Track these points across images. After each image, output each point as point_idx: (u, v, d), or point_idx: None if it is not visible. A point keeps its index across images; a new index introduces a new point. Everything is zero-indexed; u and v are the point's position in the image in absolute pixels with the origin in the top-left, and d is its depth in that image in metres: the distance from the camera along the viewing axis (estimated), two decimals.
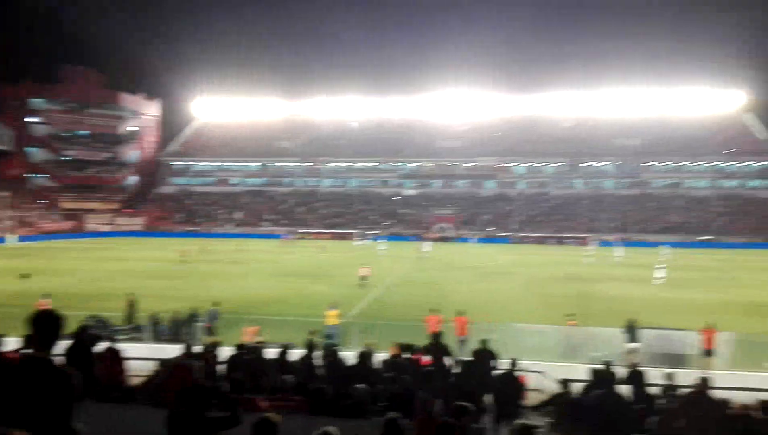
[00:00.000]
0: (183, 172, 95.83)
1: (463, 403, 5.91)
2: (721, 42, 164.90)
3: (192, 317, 17.97)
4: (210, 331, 17.41)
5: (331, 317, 17.76)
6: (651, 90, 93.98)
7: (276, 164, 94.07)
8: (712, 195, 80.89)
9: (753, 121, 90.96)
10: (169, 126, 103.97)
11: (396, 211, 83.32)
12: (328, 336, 16.65)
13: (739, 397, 9.96)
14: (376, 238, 65.48)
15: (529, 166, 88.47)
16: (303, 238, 70.12)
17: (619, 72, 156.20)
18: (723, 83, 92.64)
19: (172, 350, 10.99)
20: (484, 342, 11.21)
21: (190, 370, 7.00)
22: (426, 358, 10.37)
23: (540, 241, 70.63)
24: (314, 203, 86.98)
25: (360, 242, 61.33)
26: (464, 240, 71.97)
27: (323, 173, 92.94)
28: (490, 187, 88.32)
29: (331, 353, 9.82)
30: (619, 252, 49.37)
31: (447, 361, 10.55)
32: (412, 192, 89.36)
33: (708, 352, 15.36)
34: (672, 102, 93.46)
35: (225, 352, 10.17)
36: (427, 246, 54.13)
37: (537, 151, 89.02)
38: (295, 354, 9.83)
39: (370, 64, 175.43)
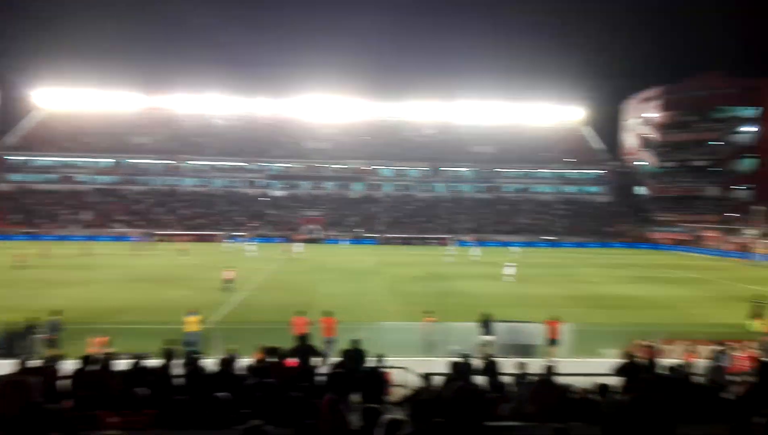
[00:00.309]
0: (21, 167, 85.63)
1: (373, 405, 5.88)
2: (564, 62, 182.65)
3: (29, 329, 16.08)
4: (52, 343, 15.71)
5: (192, 323, 16.85)
6: (504, 103, 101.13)
7: (130, 161, 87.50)
8: (555, 199, 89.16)
9: (589, 134, 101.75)
10: (6, 116, 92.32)
11: (263, 213, 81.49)
12: (189, 343, 15.79)
13: (579, 382, 11.01)
14: (245, 239, 63.50)
15: (394, 169, 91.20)
16: (162, 241, 65.93)
17: (476, 85, 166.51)
18: (565, 99, 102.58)
19: (4, 366, 9.72)
20: (354, 342, 11.28)
21: (25, 387, 6.22)
22: (291, 361, 10.20)
23: (405, 241, 73.01)
24: (174, 203, 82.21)
25: (229, 244, 59.05)
26: (333, 241, 72.33)
27: (184, 172, 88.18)
28: (357, 189, 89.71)
29: (191, 361, 9.28)
30: (475, 252, 52.56)
31: (314, 362, 10.46)
32: (280, 193, 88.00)
33: (552, 342, 16.83)
34: (522, 114, 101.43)
35: (68, 365, 9.19)
36: (298, 247, 53.66)
37: (402, 156, 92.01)
38: (151, 364, 9.16)
39: (238, 61, 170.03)
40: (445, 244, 65.03)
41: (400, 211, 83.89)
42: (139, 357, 9.11)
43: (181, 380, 8.61)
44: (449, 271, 40.23)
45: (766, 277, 39.92)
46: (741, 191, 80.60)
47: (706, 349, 15.01)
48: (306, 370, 9.50)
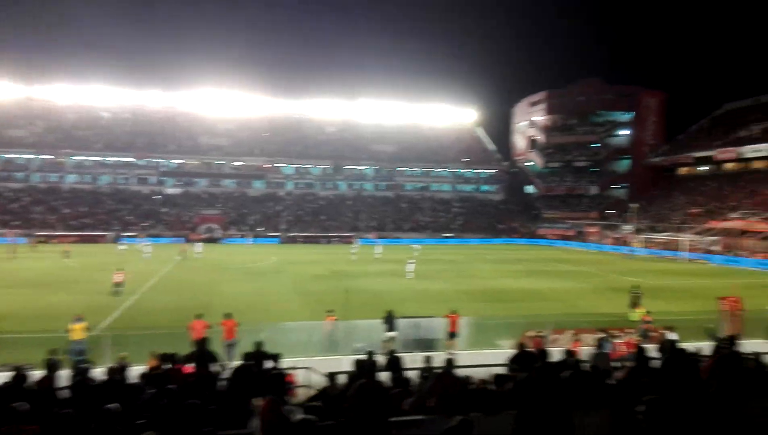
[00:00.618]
0: None
1: (308, 416, 5.67)
2: (460, 67, 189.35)
3: None
4: None
5: (77, 331, 15.61)
6: (403, 103, 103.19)
7: (6, 156, 79.67)
8: (453, 198, 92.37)
9: (483, 135, 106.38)
10: None
11: (157, 211, 77.36)
12: (75, 352, 14.63)
13: (477, 373, 11.45)
14: (140, 240, 59.87)
15: (296, 167, 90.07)
16: (43, 242, 60.62)
17: (377, 85, 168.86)
18: (460, 101, 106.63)
19: None
20: (258, 344, 11.00)
21: None
22: (189, 367, 9.76)
23: (308, 240, 72.40)
24: (55, 202, 75.88)
25: (124, 245, 55.40)
26: (234, 240, 70.17)
27: (66, 168, 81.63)
28: (258, 187, 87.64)
29: (80, 372, 8.59)
30: (378, 249, 53.21)
31: (214, 367, 10.07)
32: (174, 191, 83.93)
33: (452, 335, 17.40)
34: (420, 114, 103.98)
35: None
36: (198, 247, 51.53)
37: (304, 153, 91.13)
38: (34, 376, 8.38)
39: (126, 50, 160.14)
40: (348, 243, 65.25)
41: (303, 210, 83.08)
42: (20, 369, 8.30)
43: (67, 392, 7.95)
44: (353, 269, 40.40)
45: (641, 268, 43.75)
46: (618, 190, 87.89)
47: (590, 337, 16.17)
48: (205, 376, 9.12)
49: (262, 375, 9.94)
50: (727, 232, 53.64)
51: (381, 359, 13.44)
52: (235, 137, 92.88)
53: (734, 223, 54.62)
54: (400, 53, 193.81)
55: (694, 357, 9.00)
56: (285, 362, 12.83)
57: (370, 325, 17.62)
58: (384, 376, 11.51)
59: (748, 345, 11.22)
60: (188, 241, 64.68)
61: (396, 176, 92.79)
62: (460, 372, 10.22)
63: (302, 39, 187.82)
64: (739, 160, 70.08)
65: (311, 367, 13.14)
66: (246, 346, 11.67)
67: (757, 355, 9.75)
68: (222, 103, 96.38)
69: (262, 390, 9.80)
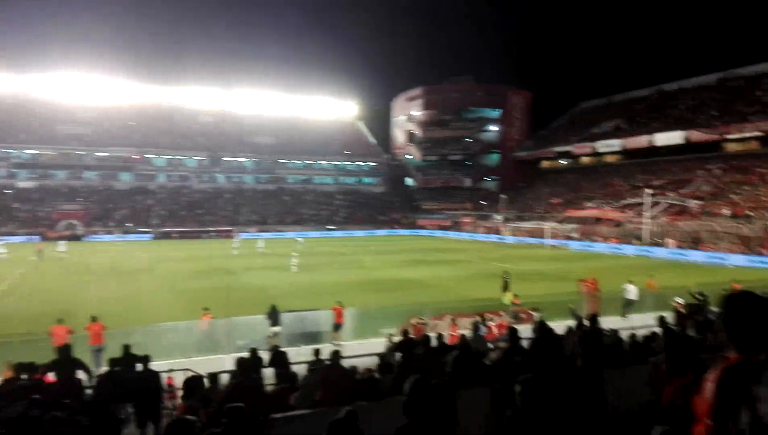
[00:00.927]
0: None
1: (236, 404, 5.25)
2: (341, 60, 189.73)
3: None
4: None
5: None
6: (284, 94, 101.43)
7: None
8: (336, 190, 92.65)
9: (364, 128, 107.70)
10: None
11: (9, 207, 69.47)
12: None
13: (364, 362, 11.58)
14: None
15: (169, 158, 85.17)
16: None
17: (256, 74, 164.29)
18: (341, 94, 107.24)
19: None
20: (126, 347, 10.26)
21: None
22: (51, 376, 8.90)
23: (185, 235, 68.95)
24: None
25: None
26: (99, 237, 64.91)
27: None
28: (126, 180, 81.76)
29: None
30: (260, 243, 52.02)
31: (81, 375, 9.27)
32: (28, 184, 75.85)
33: (338, 327, 17.46)
34: (301, 106, 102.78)
35: None
36: (61, 246, 46.94)
37: (177, 144, 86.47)
38: None
39: None
40: (228, 237, 63.07)
41: (177, 204, 78.91)
42: None
43: None
44: (234, 265, 39.15)
45: (511, 255, 46.78)
46: (489, 182, 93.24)
47: (467, 321, 17.01)
48: (69, 386, 8.36)
49: (132, 380, 9.34)
50: (584, 220, 58.95)
51: (265, 356, 13.16)
52: (98, 126, 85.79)
53: (590, 211, 60.18)
54: (280, 43, 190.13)
55: (561, 335, 9.78)
56: (162, 365, 12.15)
57: (253, 322, 17.18)
58: (268, 373, 11.30)
59: (605, 322, 12.40)
60: (45, 239, 58.98)
61: (277, 169, 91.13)
62: (348, 362, 10.28)
63: (174, 22, 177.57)
64: (594, 154, 77.22)
65: (190, 369, 12.55)
66: (116, 350, 10.84)
67: (614, 331, 10.81)
68: (83, 89, 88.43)
69: (133, 396, 9.21)
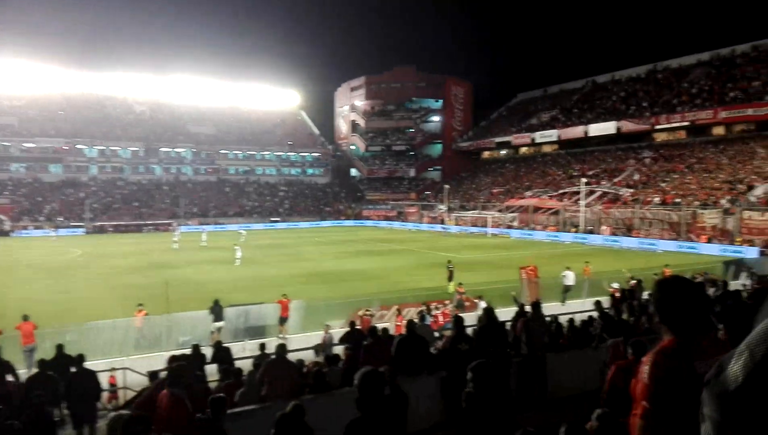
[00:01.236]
0: None
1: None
2: (282, 49, 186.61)
3: None
4: None
5: None
6: (222, 82, 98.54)
7: None
8: (279, 181, 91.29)
9: (307, 118, 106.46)
10: None
11: None
12: None
13: (310, 355, 11.51)
14: None
15: (101, 149, 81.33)
16: None
17: (192, 61, 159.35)
18: (282, 83, 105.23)
19: None
20: (59, 347, 9.81)
21: None
22: None
23: (121, 229, 66.32)
24: None
25: None
26: (28, 232, 61.50)
27: None
28: (55, 172, 77.63)
29: None
30: (202, 236, 50.70)
31: (10, 378, 8.78)
32: None
33: (283, 320, 17.26)
34: (241, 96, 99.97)
35: None
36: None
37: (110, 134, 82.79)
38: None
39: None
40: (168, 230, 61.11)
41: (111, 196, 75.71)
42: None
43: None
44: (174, 259, 38.00)
45: (455, 244, 47.56)
46: (432, 172, 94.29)
47: (413, 311, 17.18)
48: None
49: (66, 381, 8.95)
50: (523, 209, 60.60)
51: (209, 352, 12.86)
52: (24, 115, 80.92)
53: (529, 200, 61.88)
54: (218, 29, 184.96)
55: (505, 322, 10.03)
56: (100, 364, 11.67)
57: (195, 317, 16.75)
58: (211, 369, 11.05)
59: (546, 309, 12.80)
60: None
61: (218, 159, 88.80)
62: (295, 356, 10.18)
63: (105, 5, 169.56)
64: (532, 144, 79.35)
65: (129, 368, 12.14)
66: (50, 350, 10.33)
67: (554, 316, 11.17)
68: (7, 76, 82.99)
69: (67, 397, 8.81)
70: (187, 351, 11.14)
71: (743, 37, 70.60)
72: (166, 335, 15.93)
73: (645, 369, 2.13)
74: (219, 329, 16.56)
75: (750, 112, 52.16)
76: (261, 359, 10.06)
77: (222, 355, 11.61)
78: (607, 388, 4.68)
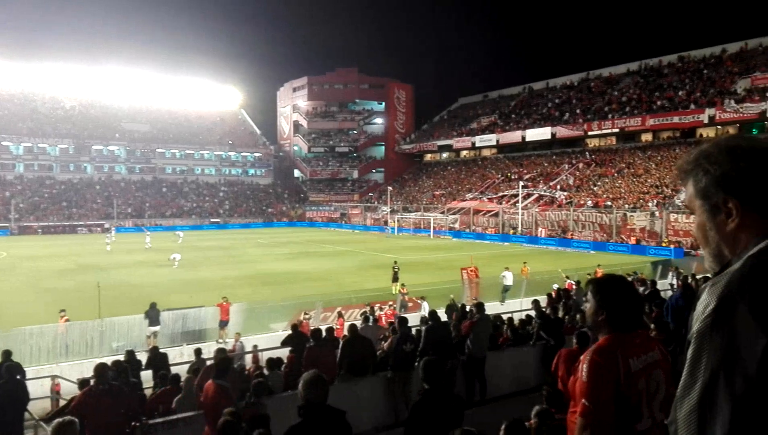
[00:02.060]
0: None
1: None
2: (223, 44, 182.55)
3: None
4: None
5: None
6: (160, 75, 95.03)
7: None
8: (219, 181, 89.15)
9: (247, 118, 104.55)
10: None
11: None
12: None
13: (252, 359, 11.29)
14: None
15: (28, 146, 76.95)
16: None
17: (127, 53, 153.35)
18: (223, 81, 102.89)
19: None
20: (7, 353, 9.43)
21: None
22: None
23: (48, 230, 63.00)
24: None
25: None
26: None
27: None
28: None
29: None
30: (137, 238, 48.85)
31: None
32: None
33: (224, 323, 16.86)
34: (179, 92, 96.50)
35: None
36: None
37: (38, 131, 78.50)
38: None
39: None
40: (101, 231, 58.55)
41: (39, 196, 71.82)
42: None
43: None
44: (107, 261, 36.45)
45: (398, 245, 47.89)
46: (376, 174, 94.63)
47: (357, 312, 17.17)
48: None
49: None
50: (464, 211, 61.76)
51: (144, 357, 12.41)
52: None
53: (470, 203, 63.12)
54: (155, 24, 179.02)
55: (449, 322, 10.18)
56: (28, 372, 11.05)
57: (130, 322, 16.10)
58: (147, 375, 10.68)
59: (487, 308, 13.08)
60: None
61: (153, 158, 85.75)
62: (237, 361, 9.95)
63: None
64: (473, 148, 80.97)
65: (59, 375, 11.56)
66: None
67: (496, 316, 11.44)
68: None
69: None
70: (121, 357, 10.71)
71: (670, 48, 74.67)
72: (99, 341, 15.24)
73: (583, 367, 2.20)
74: (155, 334, 16.00)
75: (676, 119, 55.17)
76: (199, 364, 9.80)
77: (159, 360, 11.23)
78: (560, 386, 4.79)
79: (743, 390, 0.87)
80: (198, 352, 10.90)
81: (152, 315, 16.16)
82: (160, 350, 11.86)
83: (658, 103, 58.97)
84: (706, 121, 52.43)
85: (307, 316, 16.67)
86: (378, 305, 17.59)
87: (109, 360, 10.64)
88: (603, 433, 2.09)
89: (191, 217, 75.94)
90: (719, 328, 0.93)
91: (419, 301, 18.89)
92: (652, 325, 6.03)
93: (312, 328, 12.42)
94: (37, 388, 11.07)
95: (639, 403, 2.17)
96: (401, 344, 8.64)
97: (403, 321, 9.68)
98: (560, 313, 12.04)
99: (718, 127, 53.14)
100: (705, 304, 0.97)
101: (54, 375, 11.45)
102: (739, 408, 0.87)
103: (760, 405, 0.85)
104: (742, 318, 0.90)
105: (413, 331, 9.69)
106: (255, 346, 13.41)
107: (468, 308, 11.73)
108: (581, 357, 2.27)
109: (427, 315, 10.10)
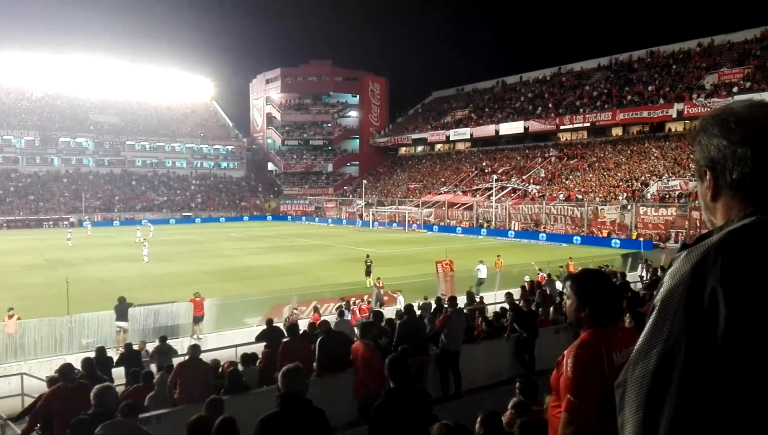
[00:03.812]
0: None
1: None
2: (194, 34, 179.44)
3: None
4: None
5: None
6: (129, 65, 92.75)
7: None
8: (190, 174, 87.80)
9: (219, 110, 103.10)
10: None
11: None
12: None
13: (227, 354, 11.19)
14: None
15: None
16: None
17: (95, 42, 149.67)
18: (194, 72, 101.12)
19: None
20: None
21: None
22: None
23: (15, 224, 61.36)
24: None
25: None
26: None
27: None
28: None
29: None
30: (104, 232, 47.88)
31: None
32: None
33: (197, 319, 16.65)
34: (149, 83, 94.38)
35: None
36: None
37: (2, 122, 76.07)
38: None
39: None
40: (67, 226, 57.19)
41: (4, 189, 69.82)
42: None
43: None
44: (75, 256, 35.66)
45: (373, 239, 47.90)
46: (350, 167, 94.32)
47: (332, 306, 17.13)
48: None
49: None
50: (439, 205, 62.04)
51: (115, 354, 12.22)
52: None
53: (444, 196, 63.42)
54: (124, 10, 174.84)
55: (423, 316, 10.23)
56: None
57: (100, 318, 15.79)
58: (118, 373, 10.52)
59: (460, 301, 13.17)
60: None
61: (122, 151, 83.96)
62: (209, 356, 9.85)
63: None
64: (447, 141, 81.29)
65: (26, 373, 11.31)
66: None
67: (471, 309, 11.52)
68: None
69: None
70: (92, 354, 10.51)
71: (640, 44, 75.83)
72: (68, 337, 14.92)
73: (568, 362, 2.21)
74: (124, 329, 15.73)
75: (645, 114, 56.21)
76: (168, 361, 9.68)
77: (131, 357, 11.06)
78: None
79: (702, 360, 0.87)
80: (166, 348, 10.80)
81: (121, 310, 15.87)
82: (131, 347, 11.68)
83: (628, 97, 59.99)
84: (674, 115, 53.54)
85: (296, 311, 16.50)
86: (352, 299, 17.57)
87: (79, 357, 10.44)
88: (588, 428, 2.11)
89: (162, 210, 74.71)
90: (687, 296, 0.92)
91: (395, 295, 18.94)
92: (627, 316, 6.15)
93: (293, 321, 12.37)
94: (5, 386, 10.82)
95: None
96: (376, 338, 8.66)
97: (378, 315, 9.71)
98: (533, 306, 12.21)
99: (686, 121, 54.35)
100: (675, 270, 0.97)
101: (23, 373, 11.18)
102: (695, 377, 0.87)
103: (717, 376, 0.85)
104: (711, 289, 0.90)
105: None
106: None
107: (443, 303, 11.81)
108: (565, 352, 2.28)
109: (402, 309, 10.13)
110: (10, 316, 14.95)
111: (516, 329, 9.95)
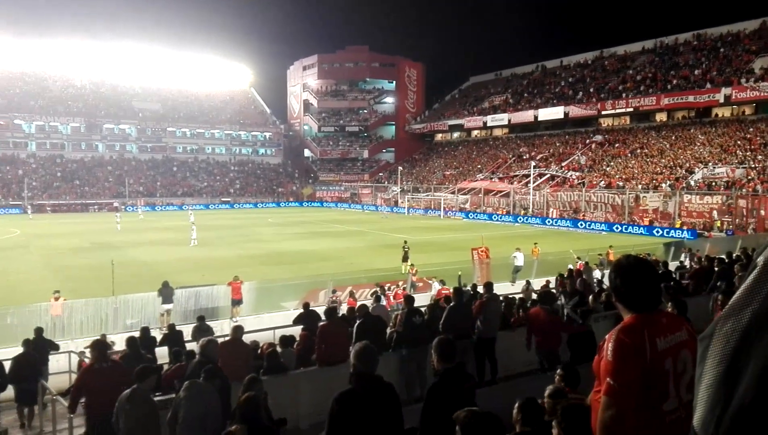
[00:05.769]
0: None
1: None
2: (233, 21, 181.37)
3: None
4: None
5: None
6: (170, 52, 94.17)
7: None
8: (229, 161, 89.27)
9: (258, 97, 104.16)
10: None
11: None
12: None
13: (265, 336, 11.42)
14: None
15: (40, 125, 77.34)
16: None
17: (138, 31, 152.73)
18: (234, 60, 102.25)
19: None
20: (39, 330, 9.98)
21: None
22: None
23: (61, 208, 63.67)
24: None
25: None
26: None
27: None
28: None
29: None
30: (148, 216, 49.24)
31: None
32: None
33: (237, 302, 17.01)
34: (190, 71, 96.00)
35: None
36: None
37: (50, 109, 78.79)
38: None
39: None
40: (113, 210, 59.04)
41: (52, 174, 72.43)
42: None
43: None
44: (120, 240, 36.80)
45: (409, 226, 47.87)
46: (386, 154, 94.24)
47: (368, 291, 17.25)
48: None
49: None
50: (475, 192, 61.52)
51: (158, 334, 12.60)
52: None
53: (480, 183, 62.82)
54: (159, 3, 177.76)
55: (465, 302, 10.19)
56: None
57: (144, 299, 16.30)
58: (161, 352, 10.85)
59: (497, 288, 13.08)
60: None
61: (164, 137, 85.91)
62: (248, 338, 10.06)
63: None
64: (484, 127, 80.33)
65: (73, 351, 11.79)
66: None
67: (506, 296, 11.44)
68: None
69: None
70: (136, 333, 10.86)
71: (686, 26, 73.04)
72: (113, 317, 15.46)
73: (608, 346, 2.18)
74: (168, 312, 16.20)
75: (691, 99, 54.26)
76: (199, 335, 10.00)
77: (174, 337, 11.40)
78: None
79: None
80: (201, 318, 11.16)
81: (166, 293, 16.36)
82: (174, 328, 12.02)
83: (674, 82, 57.99)
84: (722, 100, 51.54)
85: (337, 297, 16.57)
86: (387, 285, 17.64)
87: (123, 337, 10.82)
88: (628, 413, 2.08)
89: (202, 196, 76.29)
90: None
91: (430, 281, 18.93)
92: (669, 304, 6.00)
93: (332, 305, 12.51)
94: (54, 363, 11.29)
95: (666, 382, 2.16)
96: (411, 317, 8.70)
97: (410, 299, 9.72)
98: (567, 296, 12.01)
99: (734, 106, 52.24)
100: None
101: (81, 351, 11.63)
102: None
103: None
104: None
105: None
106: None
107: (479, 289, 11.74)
108: (606, 336, 2.25)
109: (452, 291, 10.17)
110: (56, 299, 15.50)
111: (574, 317, 9.76)
